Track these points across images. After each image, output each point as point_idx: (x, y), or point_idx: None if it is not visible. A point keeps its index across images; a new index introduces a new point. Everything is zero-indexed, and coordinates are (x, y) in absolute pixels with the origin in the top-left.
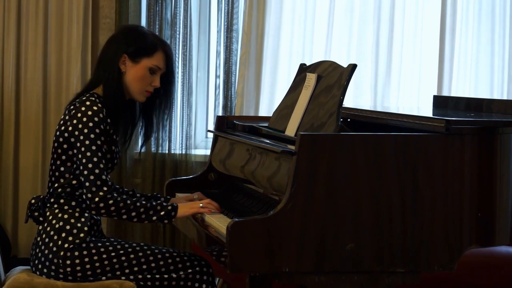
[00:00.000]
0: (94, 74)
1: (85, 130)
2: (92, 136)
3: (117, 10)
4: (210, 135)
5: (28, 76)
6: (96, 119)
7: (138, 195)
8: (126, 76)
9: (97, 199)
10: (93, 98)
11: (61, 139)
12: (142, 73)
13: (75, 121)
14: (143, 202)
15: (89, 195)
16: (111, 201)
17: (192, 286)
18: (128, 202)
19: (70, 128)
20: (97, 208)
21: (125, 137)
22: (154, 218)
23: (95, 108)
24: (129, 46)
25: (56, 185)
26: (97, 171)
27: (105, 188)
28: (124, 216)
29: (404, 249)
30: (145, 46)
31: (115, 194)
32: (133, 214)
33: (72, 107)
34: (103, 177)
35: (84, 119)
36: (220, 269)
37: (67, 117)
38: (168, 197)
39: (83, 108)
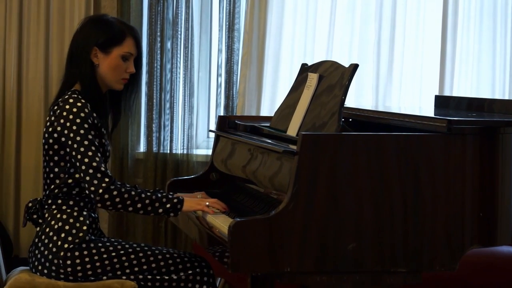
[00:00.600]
0: (67, 71)
1: (74, 127)
2: (82, 131)
3: (119, 10)
4: (212, 135)
5: (30, 76)
6: (82, 114)
7: (139, 190)
8: (100, 68)
9: (101, 190)
10: (75, 95)
11: (51, 141)
12: (115, 62)
13: (62, 120)
14: (148, 194)
15: (92, 188)
16: (115, 192)
17: (193, 287)
18: (133, 193)
19: (58, 128)
20: (102, 200)
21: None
22: (161, 210)
23: (79, 104)
24: (98, 38)
25: (52, 186)
26: (94, 164)
27: (106, 179)
28: (130, 208)
29: (405, 249)
30: (113, 35)
31: (118, 185)
32: (139, 205)
33: (56, 107)
34: (102, 168)
35: (71, 116)
36: (221, 269)
37: (52, 118)
38: (171, 193)
39: (67, 106)
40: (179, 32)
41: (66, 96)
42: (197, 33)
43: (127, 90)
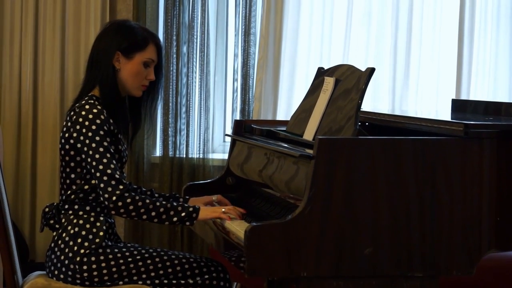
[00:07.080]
0: (88, 75)
1: (90, 134)
2: (97, 138)
3: (135, 14)
4: (228, 139)
5: (46, 79)
6: (98, 121)
7: (156, 195)
8: (121, 73)
9: (114, 197)
10: (92, 101)
11: (67, 146)
12: (137, 68)
13: (78, 127)
14: (163, 202)
15: (106, 195)
16: (129, 200)
17: None
18: (147, 201)
19: (74, 135)
20: (116, 208)
21: (128, 134)
22: (175, 219)
23: (95, 110)
24: (121, 42)
25: (68, 192)
26: (109, 171)
27: (121, 187)
28: (144, 216)
29: (422, 254)
30: (137, 40)
31: (132, 193)
32: (153, 214)
33: (72, 113)
34: (117, 176)
35: (87, 123)
36: (238, 273)
37: (69, 124)
38: (187, 197)
39: (83, 113)
40: (195, 36)
41: (83, 102)
42: (213, 37)
43: (148, 98)
